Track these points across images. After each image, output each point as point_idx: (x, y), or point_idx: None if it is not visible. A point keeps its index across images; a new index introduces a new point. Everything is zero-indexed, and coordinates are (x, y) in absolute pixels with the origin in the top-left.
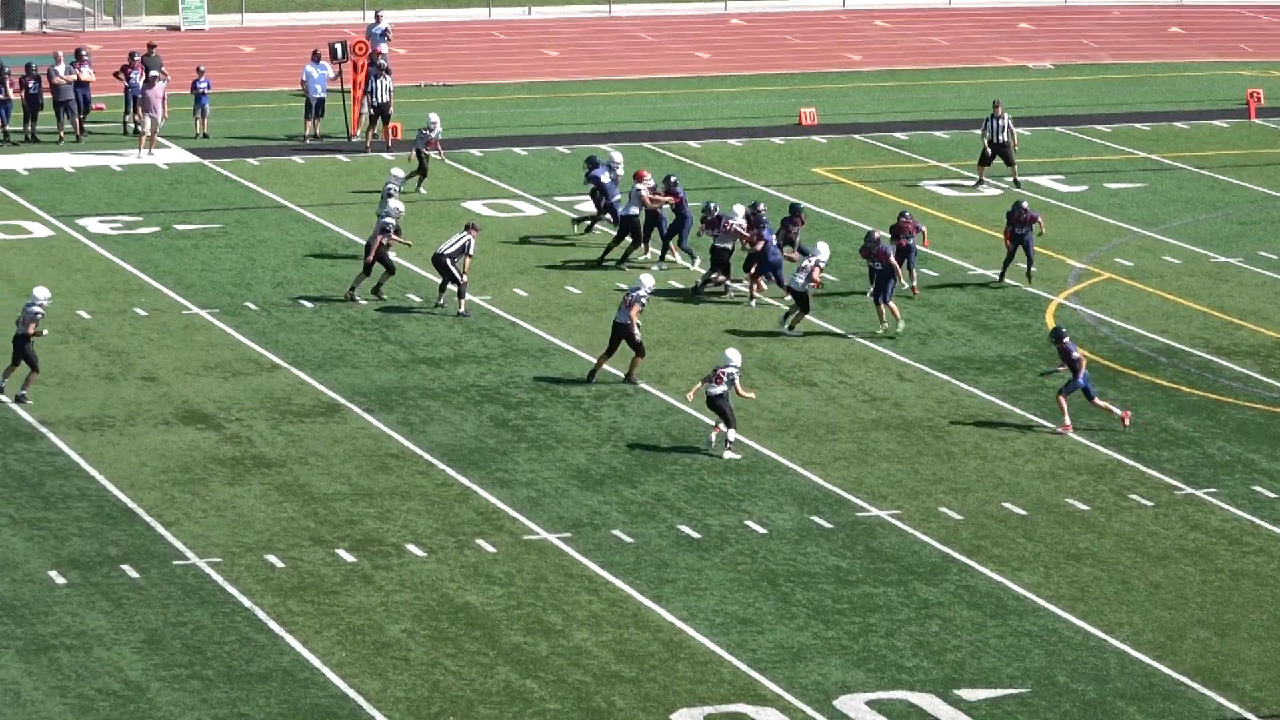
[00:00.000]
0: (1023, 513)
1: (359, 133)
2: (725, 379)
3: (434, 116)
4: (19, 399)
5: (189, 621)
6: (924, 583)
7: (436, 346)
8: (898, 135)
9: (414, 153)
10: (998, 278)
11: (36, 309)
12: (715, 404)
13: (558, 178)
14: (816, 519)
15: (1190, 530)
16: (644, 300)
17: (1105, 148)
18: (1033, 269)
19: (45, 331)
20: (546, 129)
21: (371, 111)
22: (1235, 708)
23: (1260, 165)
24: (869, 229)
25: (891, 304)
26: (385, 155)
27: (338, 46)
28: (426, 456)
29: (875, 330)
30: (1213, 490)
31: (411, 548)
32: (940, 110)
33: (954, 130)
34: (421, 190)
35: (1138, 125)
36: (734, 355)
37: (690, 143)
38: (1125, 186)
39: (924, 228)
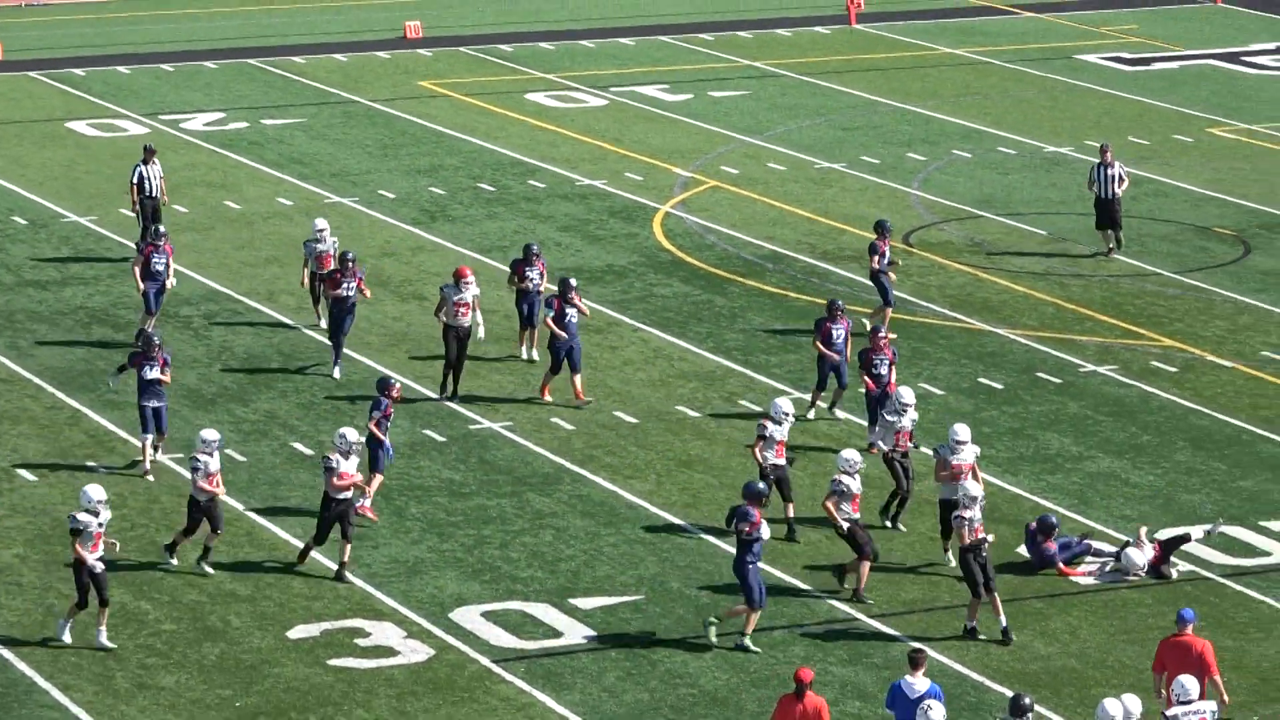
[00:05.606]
0: (634, 421)
1: None
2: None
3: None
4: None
5: None
6: (537, 493)
7: (42, 269)
8: (503, 47)
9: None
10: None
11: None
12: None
13: (161, 95)
14: (429, 432)
15: (799, 435)
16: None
17: (709, 56)
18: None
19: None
20: (150, 46)
21: None
22: (845, 607)
23: (862, 71)
24: None
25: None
26: None
27: None
28: (35, 380)
29: None
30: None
31: (22, 472)
32: (545, 21)
33: (559, 41)
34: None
35: (740, 33)
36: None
37: (295, 58)
38: (729, 94)
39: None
